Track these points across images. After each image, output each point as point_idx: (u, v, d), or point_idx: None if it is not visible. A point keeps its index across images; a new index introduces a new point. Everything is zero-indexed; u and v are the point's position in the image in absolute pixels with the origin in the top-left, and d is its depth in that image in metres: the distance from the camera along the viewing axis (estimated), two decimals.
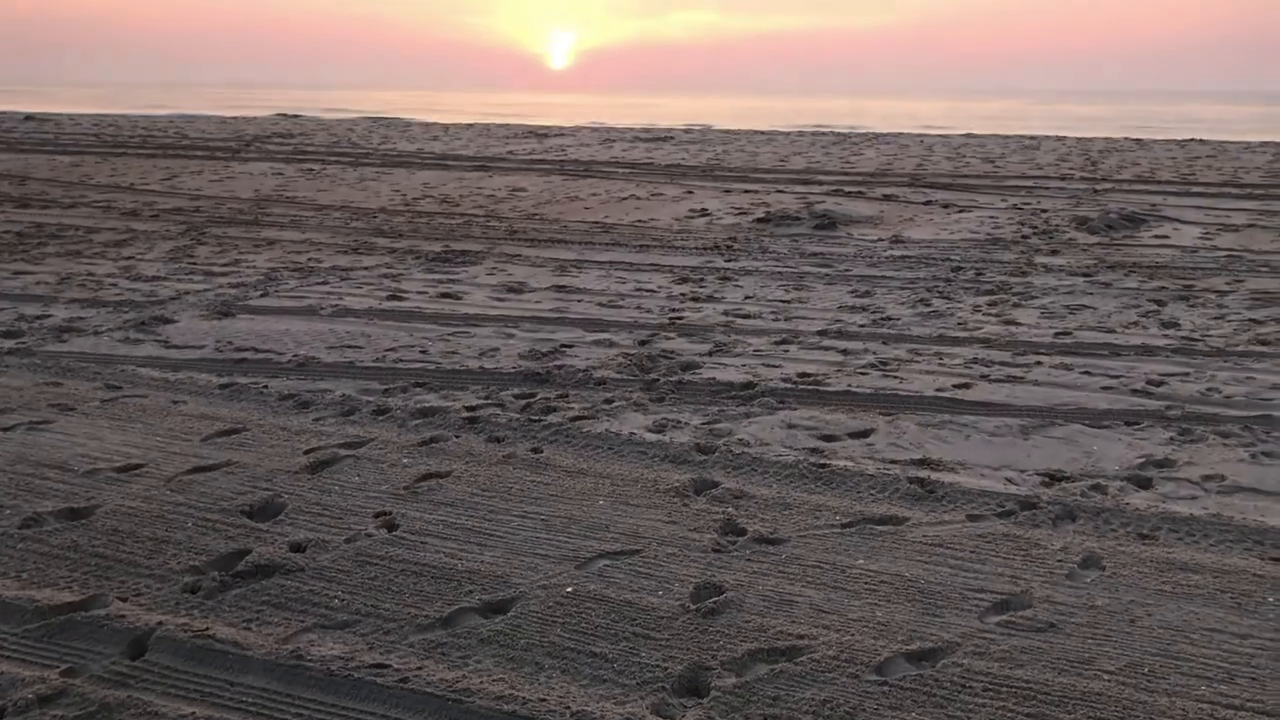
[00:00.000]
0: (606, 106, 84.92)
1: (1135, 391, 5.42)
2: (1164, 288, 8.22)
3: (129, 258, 9.19)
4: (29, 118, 35.98)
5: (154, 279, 8.24)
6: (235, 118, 41.36)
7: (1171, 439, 4.73)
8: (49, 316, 6.87)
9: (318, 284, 8.14)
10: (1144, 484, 4.21)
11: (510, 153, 21.93)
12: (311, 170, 17.48)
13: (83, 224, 11.19)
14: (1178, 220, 11.95)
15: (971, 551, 3.53)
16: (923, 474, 4.22)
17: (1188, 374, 5.75)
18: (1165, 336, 6.61)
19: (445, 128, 33.26)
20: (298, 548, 3.49)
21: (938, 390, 5.41)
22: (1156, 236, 10.85)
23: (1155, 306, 7.52)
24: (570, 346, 6.28)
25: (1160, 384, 5.55)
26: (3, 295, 7.51)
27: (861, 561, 3.45)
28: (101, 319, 6.84)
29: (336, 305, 7.33)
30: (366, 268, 8.89)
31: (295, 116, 45.29)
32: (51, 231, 10.59)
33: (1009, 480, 4.24)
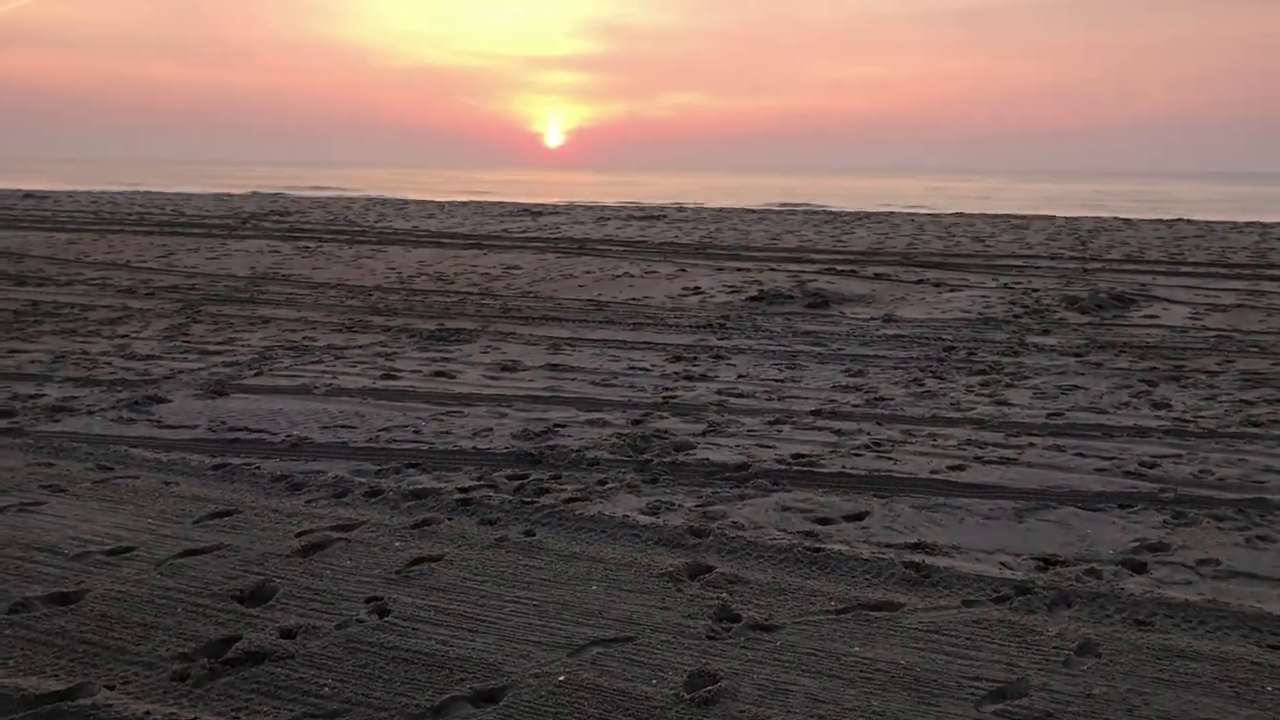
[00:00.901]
0: (600, 184, 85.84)
1: (1128, 473, 5.42)
2: (1155, 368, 8.27)
3: (124, 336, 9.21)
4: (28, 195, 36.25)
5: (148, 357, 8.25)
6: (230, 195, 41.71)
7: (1165, 522, 4.72)
8: (43, 395, 6.87)
9: (312, 363, 8.15)
10: (1139, 568, 4.20)
11: (505, 230, 22.13)
12: (307, 248, 17.61)
13: (79, 301, 11.24)
14: (1167, 300, 12.06)
15: (967, 638, 3.51)
16: (917, 558, 4.21)
17: (1180, 456, 5.76)
18: (1157, 417, 6.63)
19: (441, 205, 33.60)
20: (288, 634, 3.46)
21: (932, 472, 5.41)
22: (1146, 316, 10.94)
23: (1147, 387, 7.56)
24: (564, 426, 6.28)
25: (1153, 466, 5.55)
26: None
27: (857, 649, 3.43)
28: (95, 398, 6.83)
29: (330, 384, 7.34)
30: (361, 346, 8.91)
31: (282, 194, 45.70)
32: (48, 309, 10.63)
33: (1004, 564, 4.22)
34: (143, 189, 48.88)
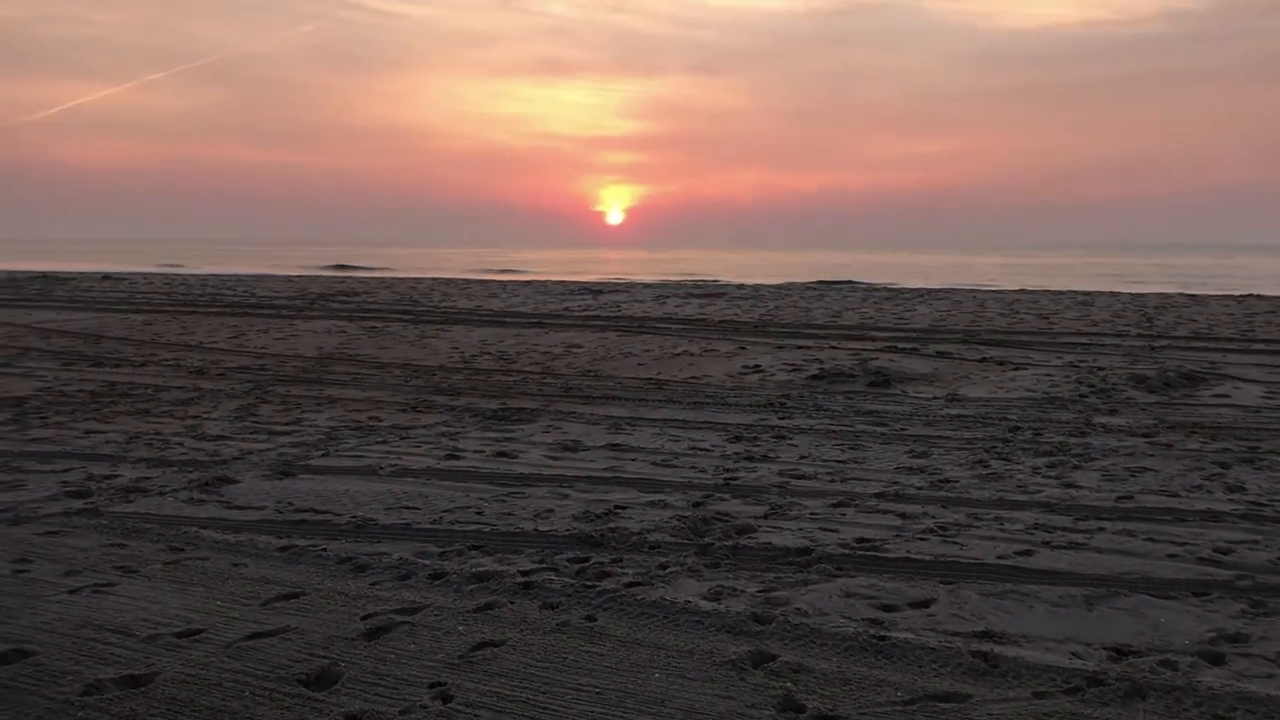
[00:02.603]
0: (660, 260, 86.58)
1: (1202, 560, 5.29)
2: (1227, 449, 8.09)
3: (195, 416, 9.42)
4: (106, 277, 37.43)
5: (219, 438, 8.42)
6: (299, 275, 42.71)
7: (1243, 611, 4.59)
8: (117, 476, 7.03)
9: (377, 443, 8.27)
10: (1216, 660, 4.08)
11: (566, 309, 22.37)
12: (373, 328, 17.94)
13: (153, 382, 11.53)
14: (1239, 379, 11.82)
15: None
16: (985, 647, 4.13)
17: (1256, 541, 5.61)
18: (1231, 501, 6.48)
19: (503, 285, 34.08)
20: (352, 719, 3.47)
21: (999, 557, 5.32)
22: (1217, 395, 10.72)
23: (1219, 469, 7.39)
24: (624, 508, 6.29)
25: (1228, 552, 5.41)
26: (74, 454, 7.71)
27: None
28: (167, 479, 6.98)
29: (395, 465, 7.43)
30: (425, 426, 9.02)
31: (349, 274, 46.64)
32: (123, 390, 10.91)
33: (1074, 654, 4.13)
34: (216, 271, 50.27)
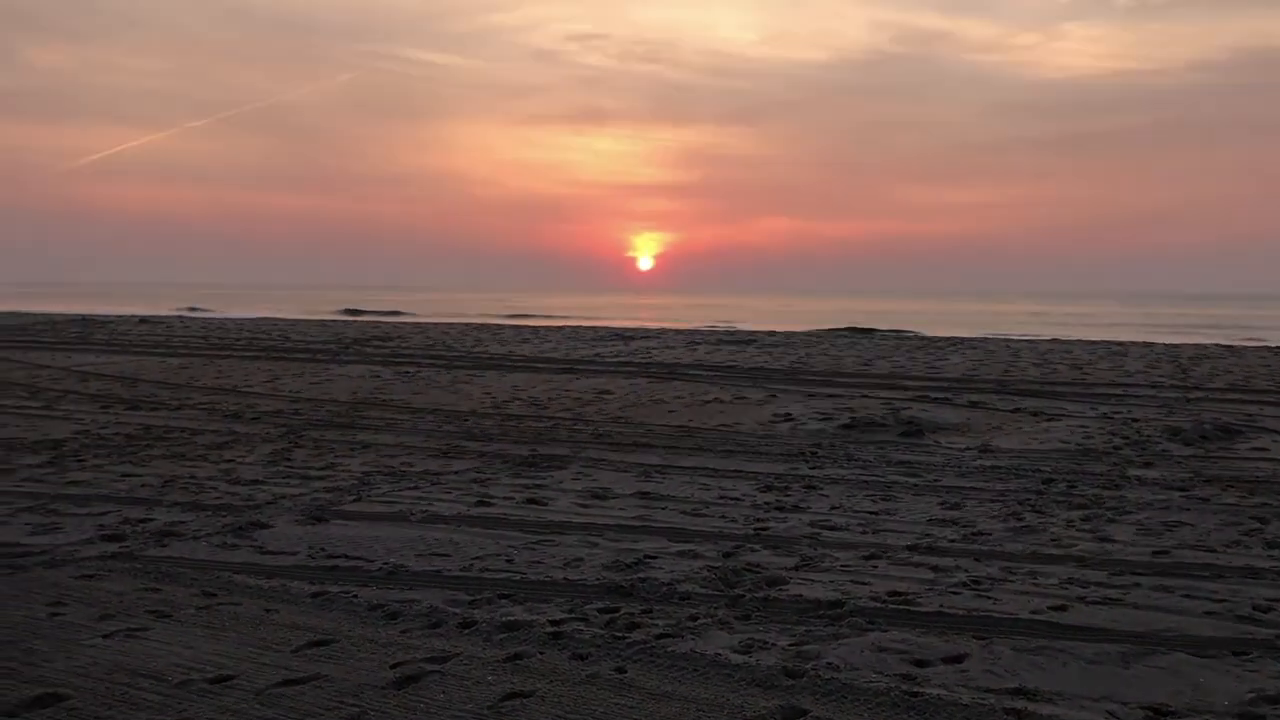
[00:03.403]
0: (691, 306, 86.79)
1: (1241, 618, 5.21)
2: (1266, 504, 7.97)
3: (230, 460, 9.51)
4: (143, 320, 37.95)
5: (253, 482, 8.49)
6: (334, 319, 43.09)
7: None
8: (151, 520, 7.10)
9: (409, 488, 8.31)
10: None
11: (597, 355, 22.44)
12: (407, 372, 18.06)
13: (188, 426, 11.65)
14: (1277, 432, 11.67)
15: None
16: (1019, 704, 4.08)
17: None
18: (1270, 558, 6.38)
19: (535, 330, 34.26)
20: None
21: (1033, 612, 5.26)
22: (1255, 449, 10.58)
23: (1257, 525, 7.29)
24: (654, 558, 6.27)
25: (1268, 609, 5.33)
26: (110, 498, 7.79)
27: None
28: (201, 523, 7.04)
29: (426, 511, 7.46)
30: (456, 472, 9.06)
31: (383, 320, 47.04)
32: (159, 433, 11.04)
33: (1111, 714, 4.07)
34: (252, 315, 50.82)
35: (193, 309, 59.68)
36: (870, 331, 37.31)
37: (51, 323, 35.10)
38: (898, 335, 33.97)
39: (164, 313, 52.93)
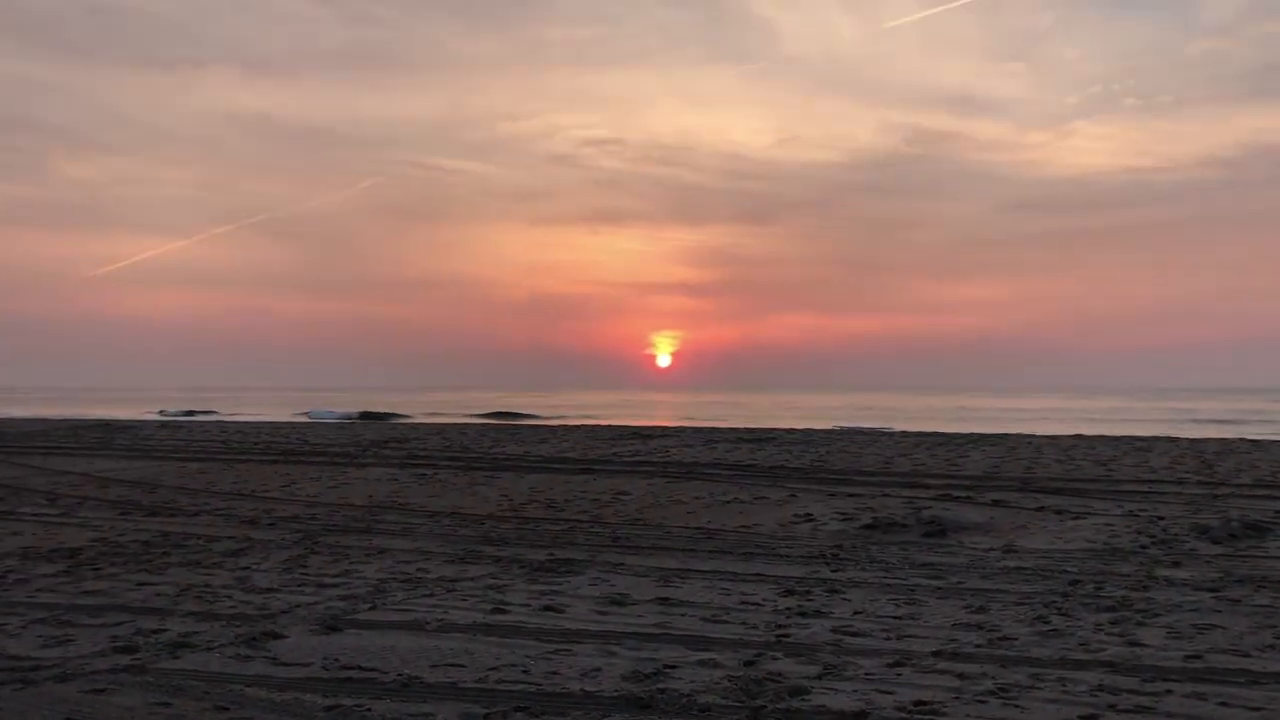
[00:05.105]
0: (710, 403, 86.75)
1: None
2: None
3: (245, 568, 9.44)
4: (164, 425, 38.18)
5: (267, 590, 8.42)
6: (352, 421, 43.24)
7: None
8: (165, 630, 7.02)
9: (424, 595, 8.21)
10: None
11: (615, 454, 22.37)
12: (424, 475, 18.03)
13: (205, 532, 11.62)
14: None
15: None
16: None
17: None
18: None
19: (553, 430, 34.26)
20: None
21: None
22: None
23: None
24: (674, 667, 6.15)
25: None
26: (125, 607, 7.73)
27: None
28: (215, 633, 6.96)
29: (442, 619, 7.36)
30: (472, 578, 8.96)
31: (400, 420, 47.25)
32: (175, 540, 11.00)
33: None
34: (269, 419, 51.11)
35: (209, 412, 60.10)
36: (888, 432, 37.14)
37: (73, 428, 35.34)
38: (919, 433, 33.77)
39: (182, 416, 53.29)
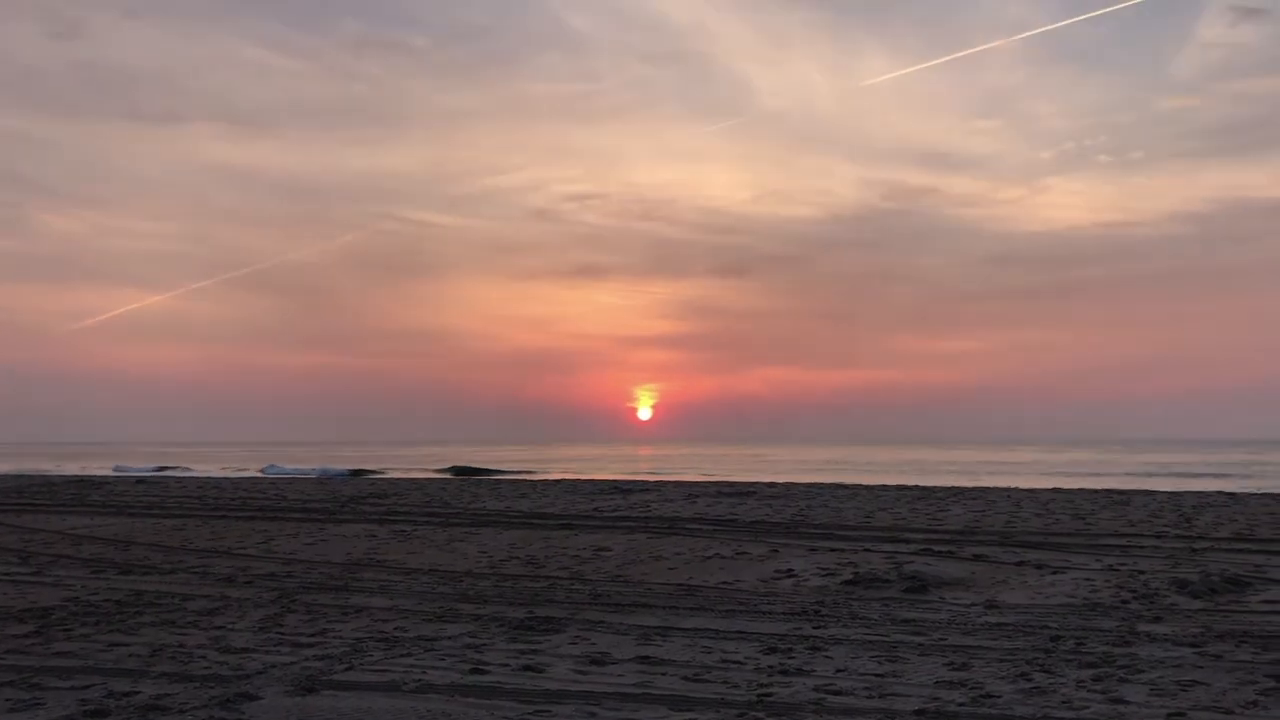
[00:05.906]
0: (690, 455, 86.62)
1: None
2: None
3: (220, 627, 9.31)
4: (140, 481, 37.81)
5: (243, 650, 8.29)
6: (331, 477, 42.91)
7: None
8: (137, 693, 6.90)
9: (401, 655, 8.11)
10: None
11: (596, 509, 22.25)
12: (403, 531, 17.86)
13: (179, 591, 11.46)
14: None
15: None
16: None
17: None
18: None
19: (533, 485, 34.08)
20: None
21: None
22: (1266, 601, 10.40)
23: (1274, 683, 7.09)
24: None
25: None
26: (96, 669, 7.60)
27: None
28: (188, 695, 6.84)
29: (420, 680, 7.26)
30: (451, 637, 8.86)
31: (381, 477, 46.92)
32: (149, 599, 10.84)
33: None
34: (247, 474, 50.71)
35: (185, 469, 59.64)
36: (870, 487, 37.15)
37: (49, 484, 34.94)
38: (898, 487, 33.77)
39: (156, 472, 52.81)
